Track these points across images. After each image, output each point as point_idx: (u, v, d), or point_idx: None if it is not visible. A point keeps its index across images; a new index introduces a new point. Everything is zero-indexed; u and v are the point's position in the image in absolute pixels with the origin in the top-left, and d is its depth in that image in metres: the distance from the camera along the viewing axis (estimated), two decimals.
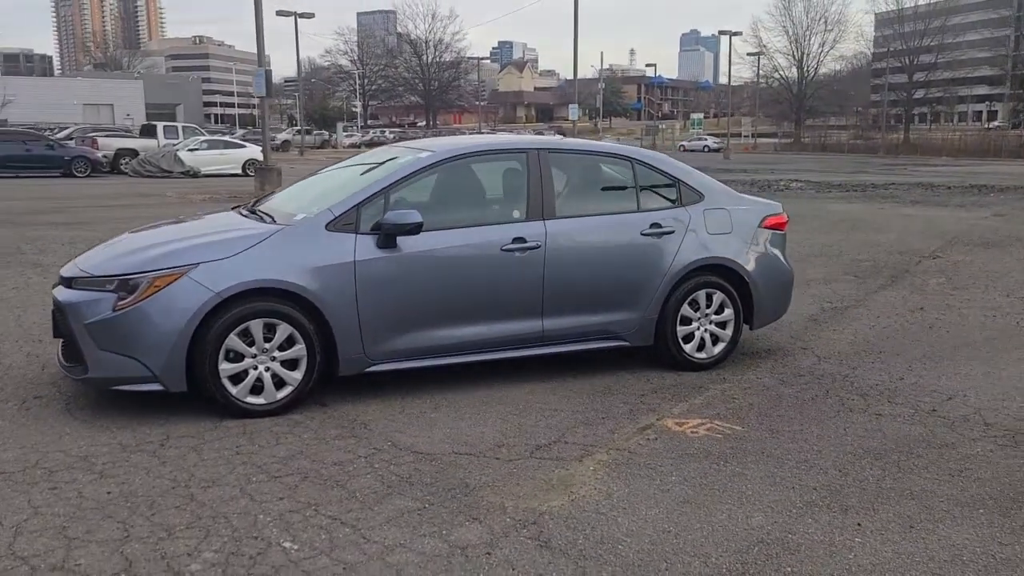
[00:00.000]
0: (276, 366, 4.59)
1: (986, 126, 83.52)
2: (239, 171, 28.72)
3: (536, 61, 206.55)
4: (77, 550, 3.12)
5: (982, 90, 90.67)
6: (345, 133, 72.38)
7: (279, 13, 46.64)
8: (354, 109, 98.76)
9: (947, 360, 5.96)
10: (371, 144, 52.42)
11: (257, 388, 4.56)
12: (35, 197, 19.23)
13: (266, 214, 5.19)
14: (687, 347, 5.59)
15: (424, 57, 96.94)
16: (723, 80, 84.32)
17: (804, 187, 24.80)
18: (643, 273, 5.45)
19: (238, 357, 4.50)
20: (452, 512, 3.48)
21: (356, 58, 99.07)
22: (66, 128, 40.83)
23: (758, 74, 73.38)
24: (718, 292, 5.64)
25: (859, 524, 3.44)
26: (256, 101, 30.21)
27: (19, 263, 9.61)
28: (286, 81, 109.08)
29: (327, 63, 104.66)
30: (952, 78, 79.32)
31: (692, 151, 64.27)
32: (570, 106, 41.93)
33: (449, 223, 5.10)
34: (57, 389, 5.01)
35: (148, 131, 34.08)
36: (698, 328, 5.62)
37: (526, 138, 6.69)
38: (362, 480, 3.79)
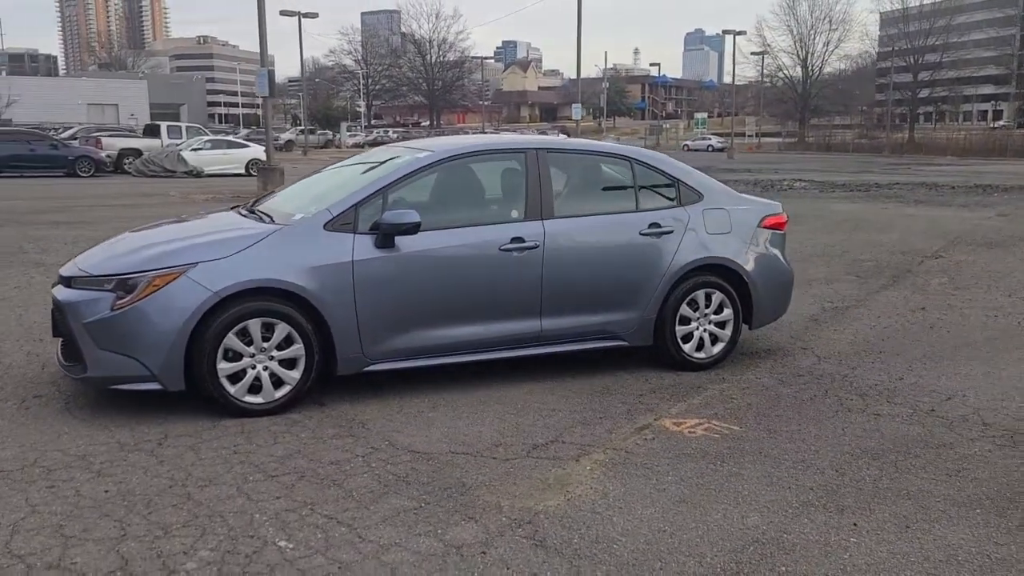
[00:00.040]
0: (274, 365, 4.60)
1: (991, 125, 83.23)
2: (242, 171, 28.78)
3: (540, 61, 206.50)
4: (73, 548, 3.14)
5: (987, 89, 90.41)
6: (349, 133, 72.49)
7: (283, 13, 46.74)
8: (358, 109, 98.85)
9: (947, 360, 5.95)
10: (375, 144, 52.38)
11: (255, 387, 4.57)
12: (38, 197, 19.28)
13: (265, 214, 5.20)
14: (686, 347, 5.59)
15: (428, 57, 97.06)
16: (727, 79, 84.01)
17: (808, 187, 24.77)
18: (642, 273, 5.45)
19: (236, 356, 4.51)
20: (448, 511, 3.49)
21: (360, 58, 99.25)
22: (70, 128, 40.94)
23: (762, 73, 73.19)
24: (717, 292, 5.64)
25: (855, 524, 3.43)
26: (260, 101, 30.20)
27: (22, 262, 9.65)
28: (290, 81, 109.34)
29: (331, 63, 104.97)
30: (957, 77, 79.20)
31: (696, 151, 64.18)
32: (573, 106, 41.96)
33: (447, 223, 5.10)
34: (57, 388, 5.03)
35: (152, 131, 34.17)
36: (697, 328, 5.61)
37: (525, 138, 6.69)
38: (359, 479, 3.80)
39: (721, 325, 5.68)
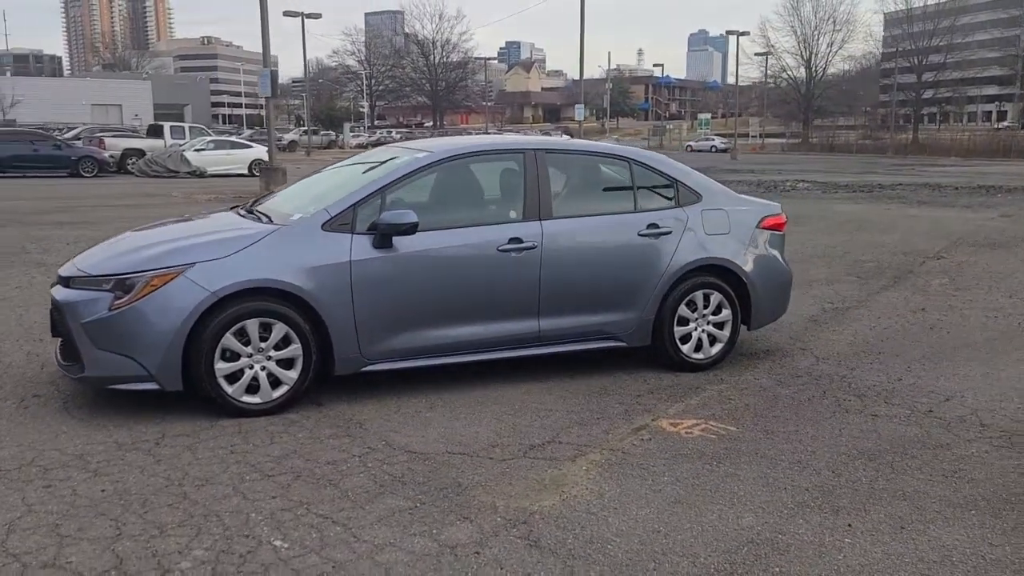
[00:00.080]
0: (272, 365, 4.60)
1: (996, 126, 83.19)
2: (245, 171, 28.82)
3: (543, 61, 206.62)
4: (68, 548, 3.15)
5: (992, 90, 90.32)
6: (352, 133, 72.52)
7: (286, 14, 46.74)
8: (361, 109, 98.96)
9: (946, 361, 5.94)
10: (378, 144, 52.46)
11: (253, 387, 4.58)
12: (41, 197, 19.33)
13: (263, 214, 5.21)
14: (684, 348, 5.59)
15: (431, 57, 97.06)
16: (731, 80, 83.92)
17: (811, 188, 24.73)
18: (640, 273, 5.45)
19: (234, 356, 4.52)
20: (443, 511, 3.49)
21: (363, 58, 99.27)
22: (74, 128, 41.05)
23: (766, 74, 73.26)
24: (716, 292, 5.63)
25: (850, 525, 3.43)
26: (263, 101, 30.25)
27: (23, 262, 9.67)
28: (293, 81, 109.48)
29: (334, 63, 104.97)
30: (961, 78, 79.06)
31: (699, 151, 64.18)
32: (576, 106, 41.97)
33: (446, 223, 5.11)
34: (55, 388, 5.04)
35: (155, 131, 34.25)
36: (695, 329, 5.61)
37: (524, 138, 6.70)
38: (355, 479, 3.81)
39: (719, 326, 5.67)
